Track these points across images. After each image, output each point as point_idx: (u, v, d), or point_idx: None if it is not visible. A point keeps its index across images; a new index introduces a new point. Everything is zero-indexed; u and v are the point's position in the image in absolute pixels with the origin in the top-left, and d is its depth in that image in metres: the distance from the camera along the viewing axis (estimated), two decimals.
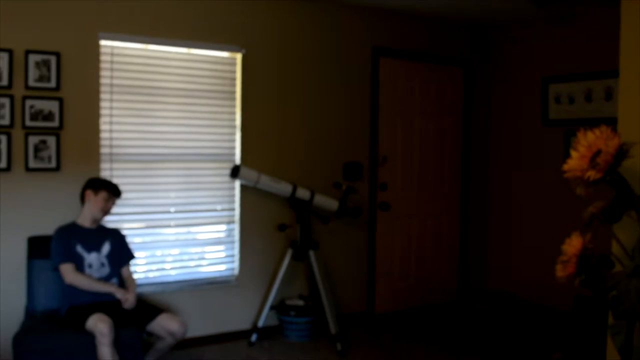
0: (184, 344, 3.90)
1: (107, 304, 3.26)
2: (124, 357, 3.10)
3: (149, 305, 3.54)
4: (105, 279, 3.40)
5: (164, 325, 3.30)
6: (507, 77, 5.39)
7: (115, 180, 3.81)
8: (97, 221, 3.49)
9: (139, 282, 3.87)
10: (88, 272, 3.35)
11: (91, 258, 3.39)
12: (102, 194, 3.43)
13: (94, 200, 3.42)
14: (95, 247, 3.43)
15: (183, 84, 4.09)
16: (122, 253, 3.55)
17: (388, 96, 4.93)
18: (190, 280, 4.18)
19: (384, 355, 4.11)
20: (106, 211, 3.47)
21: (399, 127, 5.01)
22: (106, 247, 3.47)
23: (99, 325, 3.00)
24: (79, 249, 3.37)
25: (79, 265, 3.35)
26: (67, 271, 3.28)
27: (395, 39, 4.93)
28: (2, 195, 3.51)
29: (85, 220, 3.46)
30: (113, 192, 3.48)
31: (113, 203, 3.50)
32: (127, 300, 3.30)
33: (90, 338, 3.04)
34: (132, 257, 3.61)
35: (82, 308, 3.21)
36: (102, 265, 3.42)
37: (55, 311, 3.39)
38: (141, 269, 4.01)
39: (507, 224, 5.40)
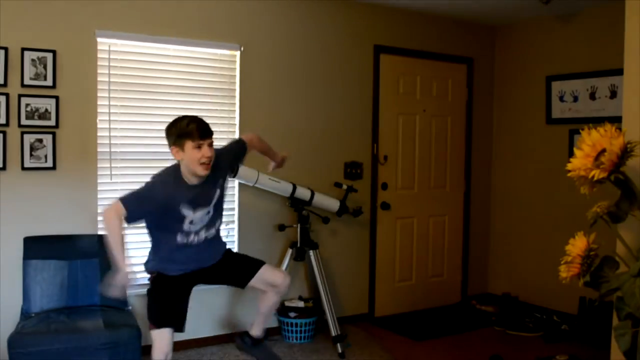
0: (183, 345, 3.87)
1: (202, 271, 3.01)
2: (122, 357, 3.07)
3: (248, 258, 3.18)
4: (207, 226, 2.94)
5: (266, 278, 3.04)
6: (511, 75, 5.34)
7: (115, 179, 3.79)
8: (201, 176, 2.84)
9: (137, 282, 3.84)
10: (187, 228, 2.86)
11: (196, 215, 2.86)
12: (188, 145, 2.73)
13: (184, 156, 2.76)
14: (204, 203, 2.88)
15: (182, 81, 4.06)
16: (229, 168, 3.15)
17: (389, 94, 4.88)
18: None
19: (385, 359, 4.06)
20: (205, 161, 2.75)
21: (400, 126, 4.96)
22: (217, 194, 2.93)
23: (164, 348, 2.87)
24: (184, 209, 2.81)
25: (178, 222, 2.83)
26: (115, 211, 2.66)
27: (397, 36, 4.88)
28: None
29: (188, 177, 2.83)
30: (200, 134, 2.74)
31: (210, 145, 2.78)
32: (283, 159, 3.49)
33: (85, 340, 3.02)
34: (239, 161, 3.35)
35: (168, 280, 2.95)
36: (208, 213, 2.91)
37: (51, 312, 3.34)
38: (139, 269, 3.96)
39: (511, 223, 5.34)
